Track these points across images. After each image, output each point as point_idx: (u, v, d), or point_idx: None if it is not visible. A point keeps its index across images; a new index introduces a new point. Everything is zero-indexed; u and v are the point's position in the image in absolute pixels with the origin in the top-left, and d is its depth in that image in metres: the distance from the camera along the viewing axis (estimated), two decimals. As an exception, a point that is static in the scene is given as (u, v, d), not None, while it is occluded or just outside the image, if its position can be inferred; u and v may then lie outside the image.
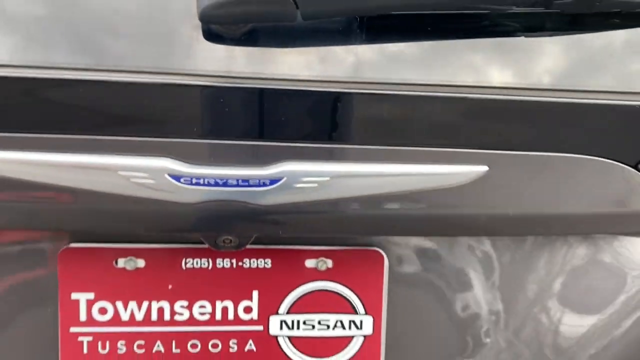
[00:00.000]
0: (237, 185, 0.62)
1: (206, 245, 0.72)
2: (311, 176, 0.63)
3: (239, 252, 0.72)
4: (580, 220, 0.71)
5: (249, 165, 0.62)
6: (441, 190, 0.65)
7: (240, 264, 0.73)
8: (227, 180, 0.62)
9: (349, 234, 0.71)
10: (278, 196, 0.63)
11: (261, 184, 0.62)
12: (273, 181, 0.62)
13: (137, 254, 0.72)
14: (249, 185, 0.62)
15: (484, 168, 0.66)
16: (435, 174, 0.65)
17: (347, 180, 0.64)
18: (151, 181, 0.61)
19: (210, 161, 0.62)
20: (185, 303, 0.73)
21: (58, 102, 0.60)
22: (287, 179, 0.62)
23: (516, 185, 0.68)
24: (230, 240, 0.68)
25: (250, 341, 0.75)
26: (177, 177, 0.61)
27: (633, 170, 0.70)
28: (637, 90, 0.68)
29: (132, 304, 0.72)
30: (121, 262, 0.72)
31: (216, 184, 0.62)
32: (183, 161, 0.61)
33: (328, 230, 0.68)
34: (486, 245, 0.77)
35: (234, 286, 0.73)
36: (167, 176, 0.61)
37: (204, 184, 0.62)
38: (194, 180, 0.61)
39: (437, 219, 0.68)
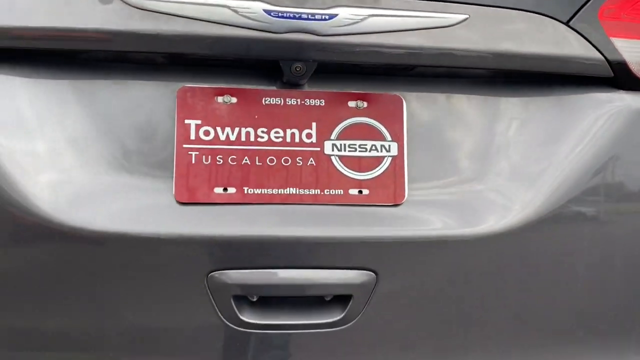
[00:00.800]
0: (308, 19, 0.92)
1: (280, 89, 1.00)
2: (354, 14, 0.93)
3: (302, 92, 1.00)
4: (527, 58, 1.01)
5: (316, 7, 0.92)
6: (439, 29, 0.96)
7: (303, 102, 1.00)
8: (301, 14, 0.91)
9: (377, 60, 0.98)
10: (333, 27, 0.92)
11: (323, 18, 0.92)
12: (331, 16, 0.92)
13: (231, 92, 0.99)
14: (315, 19, 0.92)
15: (465, 16, 0.97)
16: (436, 17, 0.96)
17: (377, 19, 0.94)
18: (253, 14, 0.90)
19: (290, 3, 0.92)
20: (265, 129, 0.99)
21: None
22: (340, 15, 0.92)
23: (486, 30, 0.98)
24: (300, 68, 0.95)
25: (311, 158, 0.99)
26: (268, 12, 0.91)
27: (564, 25, 1.01)
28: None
29: (227, 129, 0.98)
30: (220, 99, 0.99)
31: (294, 17, 0.91)
32: (273, 3, 0.91)
33: (364, 56, 0.96)
34: (476, 97, 1.05)
35: (299, 118, 1.00)
36: (262, 11, 0.91)
37: (286, 17, 0.91)
38: (279, 14, 0.91)
39: (436, 50, 0.97)
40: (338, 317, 0.97)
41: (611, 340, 1.08)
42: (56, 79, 0.95)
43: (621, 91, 1.06)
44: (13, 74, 0.94)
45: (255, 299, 0.97)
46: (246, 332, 0.96)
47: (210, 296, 0.93)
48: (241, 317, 0.95)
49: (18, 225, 0.90)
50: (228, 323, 0.95)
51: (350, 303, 0.97)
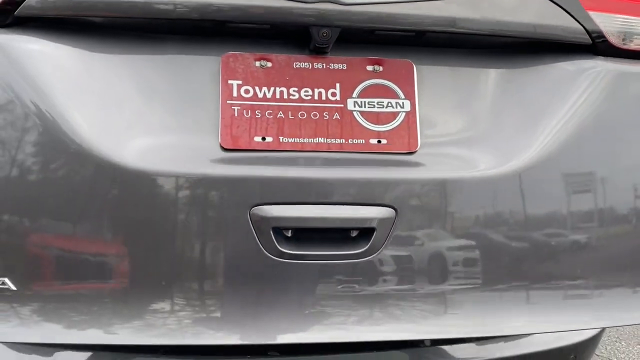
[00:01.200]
0: (332, -10, 1.06)
1: (308, 55, 1.13)
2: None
3: (327, 58, 1.13)
4: (516, 26, 1.14)
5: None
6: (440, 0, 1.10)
7: (328, 66, 1.13)
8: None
9: (388, 26, 1.11)
10: (354, -3, 1.06)
11: (345, -11, 1.06)
12: (351, -13, 1.07)
13: (267, 58, 1.12)
14: (338, -10, 1.06)
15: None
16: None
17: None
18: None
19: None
20: (296, 89, 1.11)
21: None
22: (358, -15, 1.07)
23: (480, 3, 1.12)
24: (326, 33, 1.09)
25: (336, 113, 1.12)
26: (299, -16, 1.05)
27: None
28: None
29: (264, 88, 1.11)
30: (257, 63, 1.12)
31: (320, -11, 1.05)
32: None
33: (378, 23, 1.09)
34: (476, 64, 1.19)
35: (324, 80, 1.13)
36: (294, -17, 1.05)
37: (314, -11, 1.05)
38: (309, -14, 1.05)
39: (438, 19, 1.11)
40: (363, 249, 1.07)
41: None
42: (121, 50, 1.09)
43: (600, 57, 1.20)
44: (85, 49, 1.07)
45: (290, 235, 1.07)
46: (283, 261, 1.05)
47: (253, 228, 1.04)
48: (279, 248, 1.05)
49: (88, 168, 1.01)
50: (267, 253, 1.05)
51: (373, 236, 1.07)
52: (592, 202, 1.16)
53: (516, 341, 1.47)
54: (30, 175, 1.01)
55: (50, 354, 1.26)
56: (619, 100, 1.18)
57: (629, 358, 2.52)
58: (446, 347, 1.44)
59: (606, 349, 2.58)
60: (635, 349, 2.61)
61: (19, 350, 1.26)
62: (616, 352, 2.58)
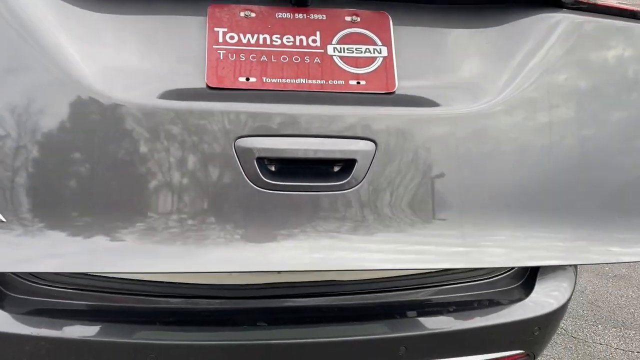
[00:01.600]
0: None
1: (290, 7, 1.14)
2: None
3: (307, 9, 1.14)
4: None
5: None
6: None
7: (308, 16, 1.14)
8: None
9: None
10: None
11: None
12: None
13: (250, 9, 1.13)
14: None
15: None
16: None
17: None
18: None
19: None
20: (278, 36, 1.12)
21: None
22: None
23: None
24: (306, -19, 1.10)
25: (317, 57, 1.12)
26: None
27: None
28: None
29: (248, 35, 1.11)
30: (242, 13, 1.12)
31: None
32: None
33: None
34: (448, 15, 1.20)
35: (305, 28, 1.14)
36: None
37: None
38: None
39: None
40: (345, 181, 1.06)
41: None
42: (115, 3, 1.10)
43: (565, 10, 1.22)
44: (80, 5, 1.08)
45: (274, 168, 1.05)
46: (267, 192, 1.04)
47: (237, 159, 1.02)
48: (263, 179, 1.03)
49: (82, 102, 1.00)
50: (252, 184, 1.03)
51: (354, 168, 1.06)
52: (553, 142, 1.16)
53: (483, 316, 1.45)
54: (26, 110, 0.99)
55: (60, 328, 1.22)
56: (585, 49, 1.20)
57: (605, 341, 2.49)
58: (418, 319, 1.41)
59: (583, 331, 2.54)
60: (612, 332, 2.57)
61: (27, 323, 1.22)
62: (592, 334, 2.55)
